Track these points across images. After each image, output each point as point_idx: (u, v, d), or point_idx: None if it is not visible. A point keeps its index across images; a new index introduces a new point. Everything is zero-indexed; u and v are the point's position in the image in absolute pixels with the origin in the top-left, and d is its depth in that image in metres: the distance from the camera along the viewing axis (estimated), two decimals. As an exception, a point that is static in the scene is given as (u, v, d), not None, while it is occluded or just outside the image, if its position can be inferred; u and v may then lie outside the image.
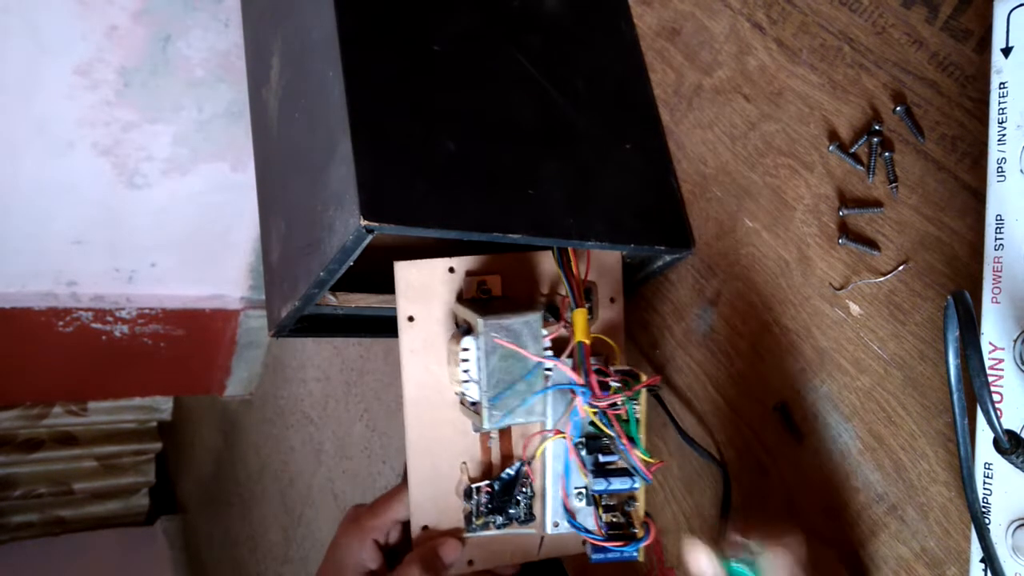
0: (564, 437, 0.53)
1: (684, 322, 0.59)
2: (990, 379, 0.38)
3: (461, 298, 0.53)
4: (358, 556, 0.55)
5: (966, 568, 0.42)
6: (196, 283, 1.68)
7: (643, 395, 0.52)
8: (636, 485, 0.52)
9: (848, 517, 0.48)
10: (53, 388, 1.90)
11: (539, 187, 0.52)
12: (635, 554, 0.52)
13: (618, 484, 0.51)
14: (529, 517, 0.55)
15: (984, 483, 0.39)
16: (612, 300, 0.58)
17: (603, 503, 0.53)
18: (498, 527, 0.54)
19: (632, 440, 0.51)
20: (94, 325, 1.66)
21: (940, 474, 0.44)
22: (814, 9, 0.51)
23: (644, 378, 0.52)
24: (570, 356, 0.51)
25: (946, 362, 0.34)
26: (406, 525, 0.56)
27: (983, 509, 0.39)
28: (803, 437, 0.51)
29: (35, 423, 2.55)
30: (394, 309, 0.53)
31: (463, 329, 0.51)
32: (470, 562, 0.54)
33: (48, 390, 1.94)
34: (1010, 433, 0.36)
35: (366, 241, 0.45)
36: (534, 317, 0.50)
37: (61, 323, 1.63)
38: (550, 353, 0.51)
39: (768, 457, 0.53)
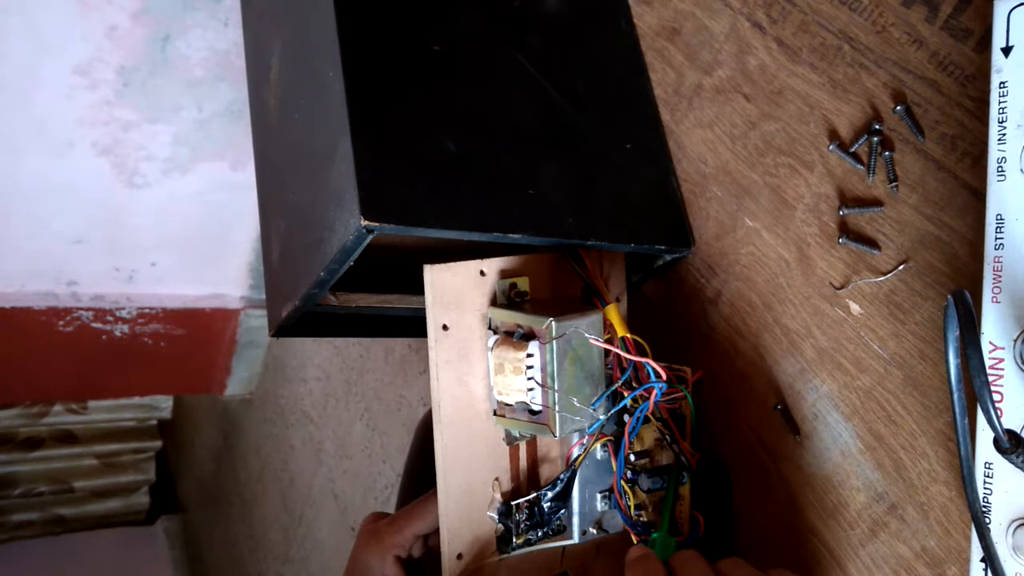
0: (609, 439, 0.52)
1: (684, 322, 0.59)
2: (990, 379, 0.38)
3: (496, 302, 0.50)
4: (380, 574, 0.55)
5: (966, 567, 0.42)
6: (196, 282, 1.68)
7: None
8: (684, 480, 0.52)
9: (848, 516, 0.48)
10: (53, 387, 1.90)
11: (539, 187, 0.52)
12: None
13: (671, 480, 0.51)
14: (560, 528, 0.52)
15: (984, 483, 0.39)
16: (617, 300, 0.58)
17: (635, 502, 0.52)
18: (532, 544, 0.51)
19: (691, 434, 0.51)
20: (94, 325, 1.67)
21: (940, 473, 0.44)
22: (814, 8, 0.51)
23: (691, 373, 0.52)
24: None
25: (946, 361, 0.34)
26: (427, 538, 0.55)
27: (983, 508, 0.39)
28: (803, 437, 0.51)
29: (35, 421, 2.55)
30: (395, 309, 0.52)
31: (519, 334, 0.48)
32: None
33: (48, 389, 1.94)
34: (1010, 433, 0.36)
35: (366, 241, 0.45)
36: (597, 317, 0.48)
37: (61, 323, 1.63)
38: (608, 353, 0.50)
39: (768, 457, 0.53)
